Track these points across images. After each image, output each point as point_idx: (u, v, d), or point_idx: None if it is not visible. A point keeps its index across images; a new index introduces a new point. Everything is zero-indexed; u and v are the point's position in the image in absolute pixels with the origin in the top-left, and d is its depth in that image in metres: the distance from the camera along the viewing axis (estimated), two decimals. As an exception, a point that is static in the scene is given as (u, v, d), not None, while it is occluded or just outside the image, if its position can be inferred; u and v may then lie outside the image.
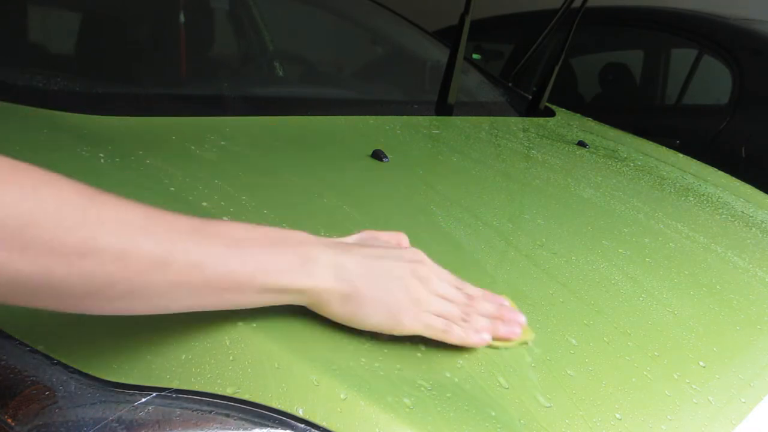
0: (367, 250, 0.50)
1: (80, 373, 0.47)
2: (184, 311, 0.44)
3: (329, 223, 0.66)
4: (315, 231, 0.63)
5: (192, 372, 0.45)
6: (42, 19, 1.44)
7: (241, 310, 0.47)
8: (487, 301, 0.54)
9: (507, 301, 0.56)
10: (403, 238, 0.56)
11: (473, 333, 0.50)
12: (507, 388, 0.49)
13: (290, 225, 0.63)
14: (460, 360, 0.50)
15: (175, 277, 0.41)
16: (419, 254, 0.52)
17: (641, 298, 0.67)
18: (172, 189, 0.64)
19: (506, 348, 0.52)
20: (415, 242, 0.67)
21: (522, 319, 0.54)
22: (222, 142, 0.80)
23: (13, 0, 1.28)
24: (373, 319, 0.48)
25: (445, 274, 0.53)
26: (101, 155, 0.68)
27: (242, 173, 0.72)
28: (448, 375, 0.49)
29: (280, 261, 0.45)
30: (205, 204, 0.63)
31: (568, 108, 1.65)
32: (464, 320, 0.50)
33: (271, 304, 0.47)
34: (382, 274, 0.49)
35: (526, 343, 0.53)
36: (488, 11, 2.88)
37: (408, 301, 0.49)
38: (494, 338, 0.51)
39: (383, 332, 0.49)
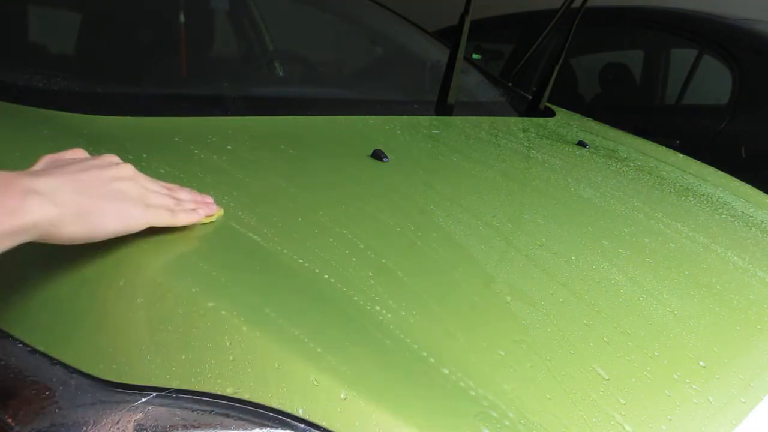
0: (68, 167, 0.51)
1: (80, 373, 0.47)
2: None
3: (328, 222, 0.66)
4: (315, 231, 0.63)
5: (192, 372, 0.45)
6: (42, 19, 1.44)
7: (242, 308, 0.47)
8: (182, 190, 0.59)
9: (195, 191, 0.62)
10: (82, 152, 0.56)
11: (191, 214, 0.57)
12: (507, 389, 0.49)
13: (290, 225, 0.63)
14: (460, 360, 0.50)
15: None
16: (114, 158, 0.55)
17: (641, 298, 0.67)
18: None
19: (210, 222, 0.60)
20: (415, 242, 0.67)
21: (210, 199, 0.61)
22: (222, 143, 0.80)
23: (13, 0, 1.28)
24: (109, 226, 0.50)
25: (139, 172, 0.56)
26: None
27: (243, 173, 0.72)
28: (447, 374, 0.49)
29: (2, 207, 0.44)
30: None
31: (568, 108, 1.65)
32: (178, 206, 0.57)
33: (7, 247, 0.45)
34: (95, 183, 0.51)
35: (220, 216, 0.61)
36: (488, 11, 2.88)
37: (131, 200, 0.52)
38: (198, 221, 0.59)
39: (119, 234, 0.51)
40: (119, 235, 0.52)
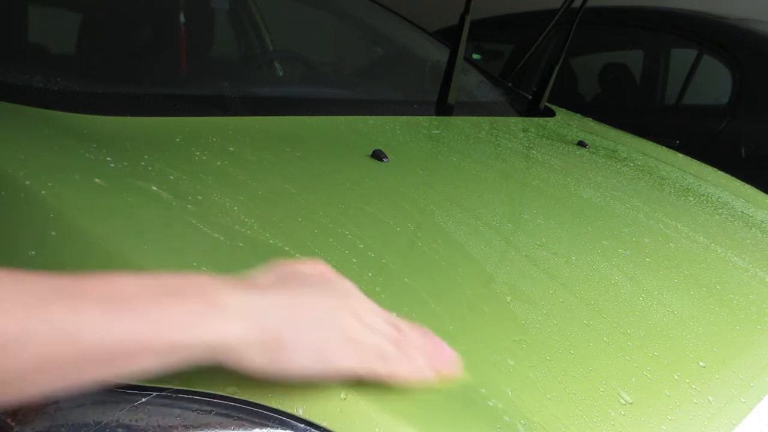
0: (285, 285, 0.43)
1: (80, 373, 0.47)
2: (69, 389, 0.36)
3: (329, 223, 0.66)
4: (315, 232, 0.63)
5: (192, 372, 0.45)
6: (43, 19, 1.44)
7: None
8: (415, 333, 0.47)
9: (431, 333, 0.48)
10: (324, 268, 0.48)
11: (411, 366, 0.44)
12: (506, 389, 0.49)
13: (290, 226, 0.63)
14: (462, 361, 0.50)
15: (39, 353, 0.33)
16: (347, 284, 0.46)
17: (641, 298, 0.67)
18: (171, 190, 0.64)
19: (439, 383, 0.46)
20: (415, 242, 0.67)
21: (451, 353, 0.48)
22: (222, 143, 0.80)
23: (13, 0, 1.28)
24: (300, 363, 0.41)
25: (374, 305, 0.46)
26: (103, 155, 0.68)
27: (243, 174, 0.72)
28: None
29: (177, 314, 0.37)
30: (200, 204, 0.63)
31: (568, 108, 1.65)
32: (398, 350, 0.44)
33: (179, 366, 0.38)
34: (307, 312, 0.42)
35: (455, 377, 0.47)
36: (488, 11, 2.88)
37: (339, 339, 0.42)
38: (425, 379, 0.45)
39: (314, 378, 0.42)
40: (319, 379, 0.42)
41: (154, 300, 0.37)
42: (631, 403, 0.51)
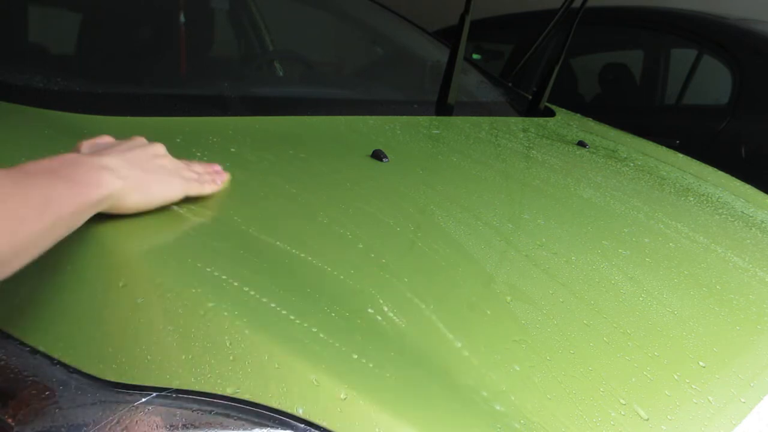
0: (116, 148, 0.59)
1: (80, 373, 0.47)
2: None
3: (329, 223, 0.66)
4: (315, 232, 0.63)
5: (192, 372, 0.45)
6: (42, 19, 1.44)
7: (242, 308, 0.47)
8: (197, 164, 0.67)
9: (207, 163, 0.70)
10: (109, 138, 0.63)
11: (212, 184, 0.66)
12: (506, 389, 0.49)
13: (290, 226, 0.63)
14: (460, 360, 0.50)
15: (48, 221, 0.47)
16: (143, 139, 0.64)
17: (641, 298, 0.67)
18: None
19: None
20: (415, 242, 0.67)
21: (218, 166, 0.70)
22: (223, 143, 0.80)
23: (13, 0, 1.28)
24: (158, 196, 0.59)
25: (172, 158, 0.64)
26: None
27: (243, 174, 0.72)
28: (447, 374, 0.49)
29: (83, 179, 0.51)
30: (201, 204, 0.63)
31: (568, 108, 1.65)
32: (201, 178, 0.65)
33: (85, 219, 0.52)
34: (143, 159, 0.59)
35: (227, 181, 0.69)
36: (488, 11, 2.88)
37: (170, 173, 0.61)
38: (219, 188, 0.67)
39: (165, 203, 0.60)
40: (164, 204, 0.60)
41: (51, 175, 0.50)
42: (631, 403, 0.51)
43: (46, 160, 0.51)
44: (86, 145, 0.60)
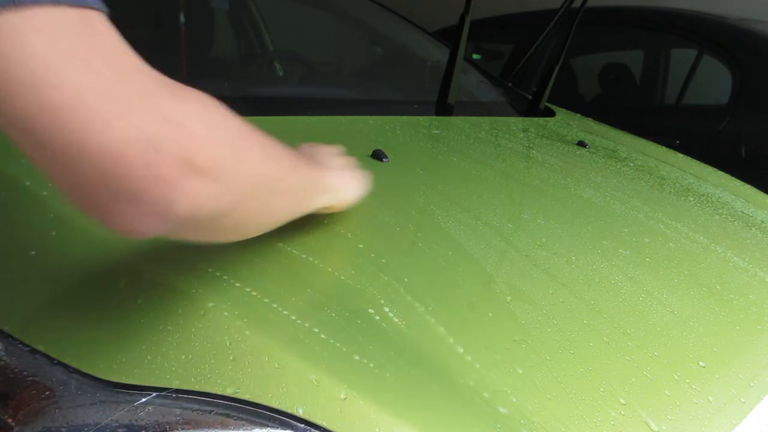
0: (321, 151, 0.66)
1: (80, 373, 0.47)
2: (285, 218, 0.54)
3: (328, 222, 0.66)
4: (315, 231, 0.63)
5: (192, 372, 0.45)
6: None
7: (242, 308, 0.47)
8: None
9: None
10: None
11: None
12: (506, 389, 0.49)
13: (288, 225, 0.63)
14: (460, 360, 0.50)
15: (302, 180, 0.54)
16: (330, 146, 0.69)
17: (641, 298, 0.67)
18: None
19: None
20: (415, 242, 0.67)
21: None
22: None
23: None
24: (356, 194, 0.65)
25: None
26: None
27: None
28: (447, 374, 0.49)
29: (318, 168, 0.59)
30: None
31: (568, 108, 1.65)
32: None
33: (319, 205, 0.59)
34: (341, 164, 0.65)
35: None
36: (488, 11, 2.88)
37: (354, 172, 0.66)
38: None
39: (360, 197, 0.66)
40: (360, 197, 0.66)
41: (304, 158, 0.57)
42: (631, 403, 0.51)
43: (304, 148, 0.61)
44: (305, 147, 0.65)
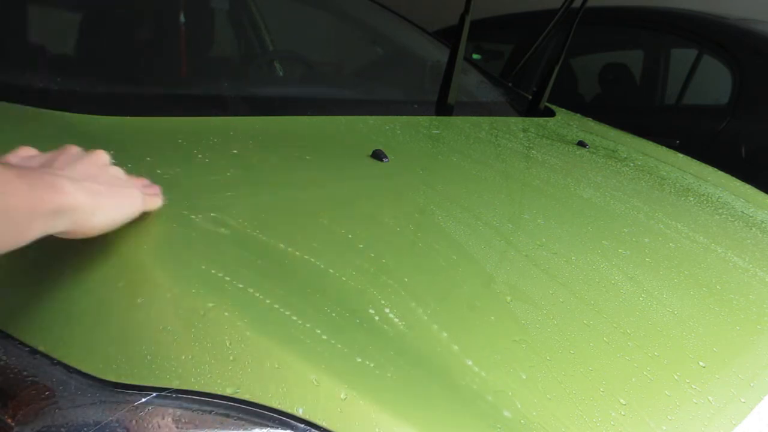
0: (58, 161, 0.51)
1: (80, 373, 0.47)
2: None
3: (329, 223, 0.66)
4: (315, 231, 0.63)
5: (192, 372, 0.45)
6: (42, 19, 1.43)
7: (242, 308, 0.47)
8: (133, 177, 0.59)
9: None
10: (32, 150, 0.55)
11: (156, 197, 0.58)
12: (506, 389, 0.49)
13: (290, 226, 0.63)
14: (460, 361, 0.50)
15: None
16: (76, 148, 0.54)
17: (641, 298, 0.67)
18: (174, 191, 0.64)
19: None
20: (415, 242, 0.67)
21: (147, 181, 0.60)
22: (223, 143, 0.80)
23: (14, 0, 1.28)
24: (122, 213, 0.52)
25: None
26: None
27: (243, 174, 0.72)
28: (447, 374, 0.49)
29: (40, 182, 0.44)
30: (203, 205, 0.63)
31: (568, 108, 1.65)
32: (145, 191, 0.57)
33: (44, 231, 0.45)
34: (94, 173, 0.51)
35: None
36: (488, 11, 2.88)
37: (126, 185, 0.54)
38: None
39: (128, 220, 0.53)
40: (125, 222, 0.53)
41: (20, 181, 0.42)
42: (631, 403, 0.51)
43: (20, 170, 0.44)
44: (12, 158, 0.50)
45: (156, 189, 0.59)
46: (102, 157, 0.54)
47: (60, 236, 0.47)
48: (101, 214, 0.49)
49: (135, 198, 0.54)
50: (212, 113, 0.93)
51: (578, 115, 1.62)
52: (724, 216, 1.05)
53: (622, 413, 0.50)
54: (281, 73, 1.64)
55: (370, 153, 0.88)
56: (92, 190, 0.48)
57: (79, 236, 0.49)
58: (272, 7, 1.98)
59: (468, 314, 0.57)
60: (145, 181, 0.59)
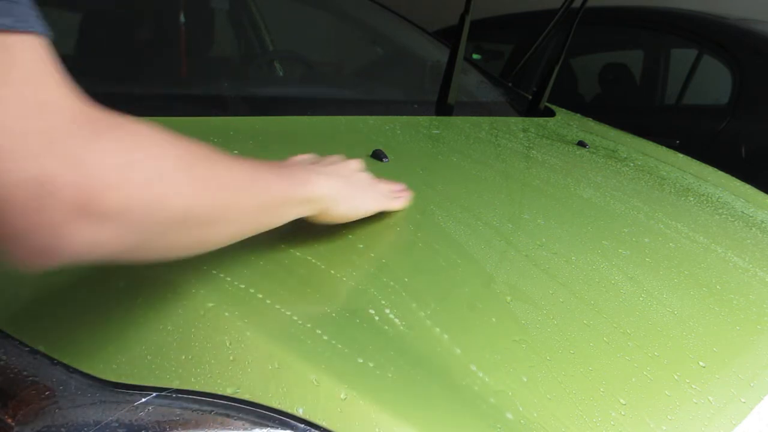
0: (324, 162, 0.65)
1: (80, 373, 0.47)
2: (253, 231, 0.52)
3: (327, 225, 0.66)
4: (315, 231, 0.63)
5: (192, 372, 0.45)
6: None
7: (242, 308, 0.47)
8: (385, 182, 0.71)
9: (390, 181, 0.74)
10: (310, 155, 0.68)
11: (401, 200, 0.71)
12: (506, 389, 0.49)
13: (288, 225, 0.63)
14: (460, 361, 0.50)
15: (259, 200, 0.50)
16: (341, 156, 0.68)
17: (641, 298, 0.67)
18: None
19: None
20: (415, 242, 0.67)
21: (403, 185, 0.73)
22: (223, 144, 0.80)
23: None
24: (361, 208, 0.63)
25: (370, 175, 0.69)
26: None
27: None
28: (447, 375, 0.49)
29: (297, 177, 0.55)
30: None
31: (568, 108, 1.65)
32: (391, 194, 0.70)
33: (296, 216, 0.55)
34: (345, 174, 0.63)
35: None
36: (488, 11, 2.88)
37: (369, 187, 0.66)
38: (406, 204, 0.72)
39: (365, 215, 0.64)
40: (365, 216, 0.64)
41: (279, 172, 0.54)
42: (631, 403, 0.51)
43: (263, 161, 0.54)
44: (292, 159, 0.64)
45: (405, 193, 0.71)
46: (354, 164, 0.66)
47: (311, 220, 0.58)
48: (343, 206, 0.60)
49: (374, 198, 0.65)
50: (212, 113, 0.93)
51: (578, 115, 1.62)
52: (724, 216, 1.05)
53: (622, 413, 0.50)
54: (281, 73, 1.64)
55: (370, 153, 0.88)
56: (337, 185, 0.59)
57: (327, 222, 0.60)
58: (272, 7, 1.98)
59: (468, 314, 0.57)
60: (396, 186, 0.71)
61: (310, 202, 0.56)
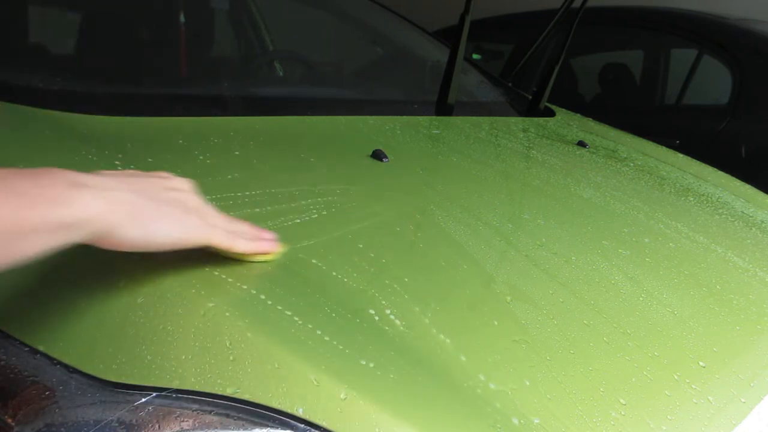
0: (125, 172, 0.50)
1: (80, 373, 0.47)
2: None
3: (327, 225, 0.66)
4: (315, 231, 0.63)
5: (192, 372, 0.45)
6: (42, 19, 1.44)
7: (242, 308, 0.47)
8: (240, 222, 0.55)
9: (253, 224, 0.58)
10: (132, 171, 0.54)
11: (250, 243, 0.53)
12: (506, 389, 0.49)
13: (290, 226, 0.63)
14: (460, 361, 0.50)
15: None
16: (166, 173, 0.53)
17: (641, 298, 0.67)
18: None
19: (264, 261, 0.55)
20: (415, 242, 0.67)
21: (270, 235, 0.57)
22: (223, 144, 0.80)
23: (14, 0, 1.28)
24: (166, 232, 0.47)
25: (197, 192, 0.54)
26: (106, 156, 0.68)
27: (243, 174, 0.72)
28: (447, 375, 0.49)
29: (45, 196, 0.41)
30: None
31: (568, 108, 1.65)
32: (236, 233, 0.53)
33: (59, 245, 0.42)
34: (150, 187, 0.48)
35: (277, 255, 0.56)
36: (488, 11, 2.88)
37: (190, 210, 0.49)
38: (257, 252, 0.54)
39: (178, 245, 0.48)
40: (179, 247, 0.48)
41: (25, 187, 0.40)
42: (631, 403, 0.51)
43: (23, 170, 0.42)
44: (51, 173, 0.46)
45: (267, 242, 0.55)
46: (177, 182, 0.51)
47: (99, 246, 0.45)
48: (134, 231, 0.45)
49: (189, 225, 0.49)
50: (212, 113, 0.93)
51: (578, 115, 1.62)
52: (724, 216, 1.05)
53: (622, 413, 0.50)
54: (281, 73, 1.64)
55: (370, 153, 0.88)
56: (123, 205, 0.45)
57: (112, 248, 0.45)
58: (272, 7, 1.98)
59: (468, 314, 0.57)
60: (255, 230, 0.55)
61: (75, 227, 0.42)
